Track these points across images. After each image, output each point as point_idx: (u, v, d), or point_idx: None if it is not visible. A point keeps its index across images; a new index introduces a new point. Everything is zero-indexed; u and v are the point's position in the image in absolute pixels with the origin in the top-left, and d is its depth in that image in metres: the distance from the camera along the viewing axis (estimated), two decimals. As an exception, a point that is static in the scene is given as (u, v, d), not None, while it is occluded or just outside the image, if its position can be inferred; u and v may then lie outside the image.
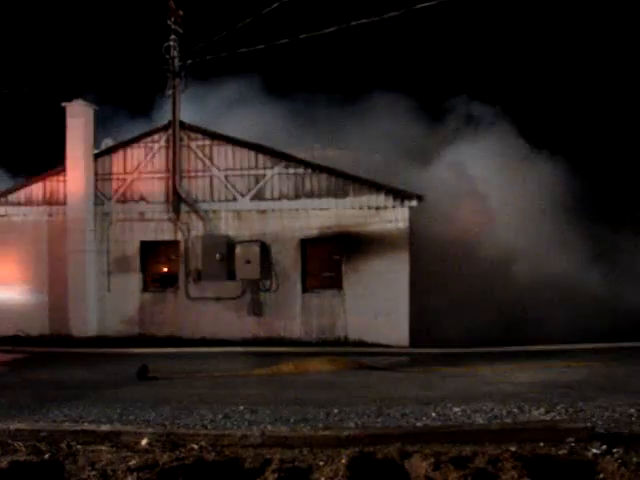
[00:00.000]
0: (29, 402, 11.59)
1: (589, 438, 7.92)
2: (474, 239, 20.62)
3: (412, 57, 33.38)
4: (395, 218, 19.57)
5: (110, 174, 21.63)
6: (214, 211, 20.87)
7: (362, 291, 19.65)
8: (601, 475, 6.91)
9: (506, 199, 21.70)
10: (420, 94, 28.12)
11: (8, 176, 27.28)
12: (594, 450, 7.54)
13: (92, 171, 21.48)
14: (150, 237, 21.28)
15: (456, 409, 10.25)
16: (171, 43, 20.92)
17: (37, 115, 30.99)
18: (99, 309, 21.32)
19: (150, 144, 21.45)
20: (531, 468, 6.74)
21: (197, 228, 20.94)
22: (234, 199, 20.76)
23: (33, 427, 8.91)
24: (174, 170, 20.95)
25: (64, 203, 21.45)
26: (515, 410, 10.10)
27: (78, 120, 21.17)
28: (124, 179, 21.53)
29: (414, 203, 19.52)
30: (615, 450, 7.50)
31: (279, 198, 20.47)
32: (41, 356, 18.90)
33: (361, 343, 19.47)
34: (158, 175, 21.33)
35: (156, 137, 21.44)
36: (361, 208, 19.87)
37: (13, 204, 22.07)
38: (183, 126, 21.14)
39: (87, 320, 21.09)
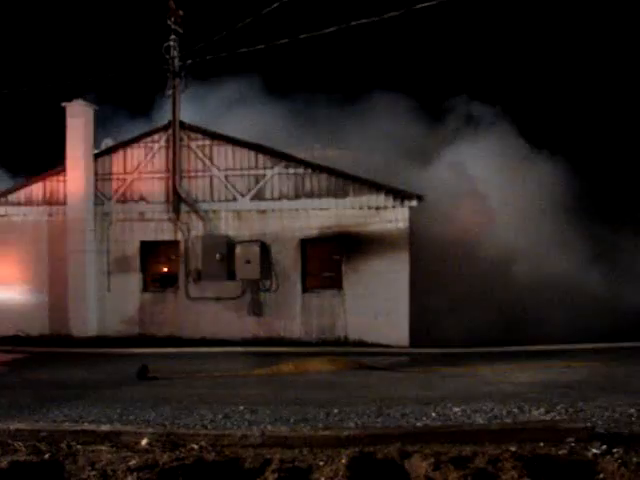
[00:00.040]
0: (29, 402, 11.58)
1: (589, 438, 7.92)
2: (474, 239, 20.63)
3: (412, 57, 33.39)
4: (395, 218, 19.58)
5: (110, 174, 21.63)
6: (214, 211, 20.87)
7: (362, 291, 19.65)
8: (601, 475, 6.91)
9: (506, 199, 21.71)
10: (420, 94, 28.12)
11: (8, 176, 27.28)
12: (594, 450, 7.54)
13: (92, 171, 21.48)
14: (150, 237, 21.28)
15: (456, 409, 10.25)
16: (171, 43, 20.92)
17: (37, 115, 31.00)
18: (99, 309, 21.33)
19: (150, 144, 21.45)
20: (531, 468, 6.74)
21: (197, 228, 20.94)
22: (234, 199, 20.77)
23: (33, 427, 8.91)
24: (174, 170, 20.95)
25: (64, 203, 21.45)
26: (515, 410, 10.10)
27: (78, 120, 21.17)
28: (124, 179, 21.53)
29: (414, 203, 19.53)
30: (615, 450, 7.50)
31: (279, 198, 20.48)
32: (41, 356, 18.90)
33: (361, 343, 19.47)
34: (158, 175, 21.33)
35: (156, 137, 21.45)
36: (361, 208, 19.87)
37: (13, 204, 22.07)
38: (183, 126, 21.14)
39: (87, 320, 21.09)
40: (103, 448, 8.17)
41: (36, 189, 22.00)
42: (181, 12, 21.08)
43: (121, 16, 41.13)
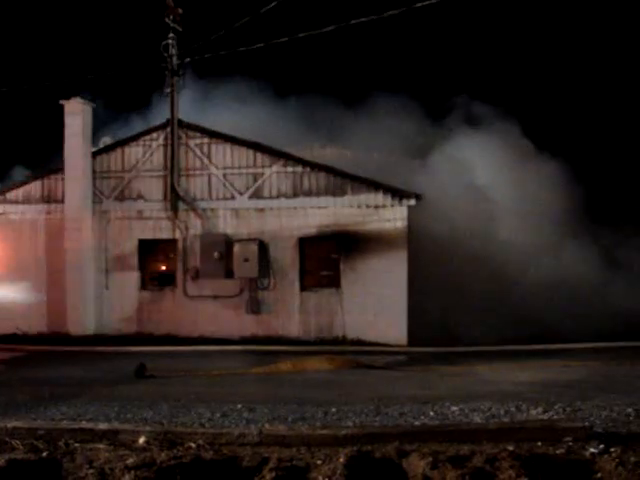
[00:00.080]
0: (27, 400, 11.57)
1: (587, 437, 7.93)
2: (473, 238, 20.62)
3: (411, 56, 33.38)
4: (393, 217, 19.58)
5: (108, 172, 21.62)
6: (212, 209, 20.86)
7: (360, 290, 19.66)
8: (599, 474, 6.92)
9: (505, 198, 21.70)
10: (419, 93, 28.12)
11: (6, 174, 27.25)
12: (592, 449, 7.54)
13: (90, 169, 21.46)
14: (148, 235, 21.26)
15: (454, 408, 10.25)
16: (169, 41, 20.90)
17: (35, 113, 30.97)
18: (97, 307, 21.31)
19: (148, 142, 21.43)
20: (529, 467, 6.75)
21: (195, 226, 20.93)
22: (232, 197, 20.76)
23: (31, 425, 8.90)
24: (172, 168, 20.94)
25: (62, 201, 21.42)
26: (513, 409, 10.10)
27: (76, 118, 21.14)
28: (122, 177, 21.51)
29: (412, 202, 19.53)
30: (613, 449, 7.51)
31: (277, 196, 20.47)
32: (39, 354, 18.89)
33: (359, 342, 19.48)
34: (156, 173, 21.31)
35: (154, 135, 21.43)
36: (359, 207, 19.87)
37: (11, 202, 22.04)
38: (181, 124, 21.13)
39: (85, 318, 21.08)
40: (101, 446, 8.17)
41: (34, 187, 21.98)
42: (180, 10, 21.06)
43: (119, 14, 41.12)
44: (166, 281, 21.34)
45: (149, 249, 21.48)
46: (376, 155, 23.74)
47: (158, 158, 21.30)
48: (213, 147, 21.01)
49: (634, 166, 24.86)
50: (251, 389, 12.71)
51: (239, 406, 10.73)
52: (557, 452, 7.53)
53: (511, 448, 7.51)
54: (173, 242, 21.17)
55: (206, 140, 21.09)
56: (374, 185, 19.88)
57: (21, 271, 21.47)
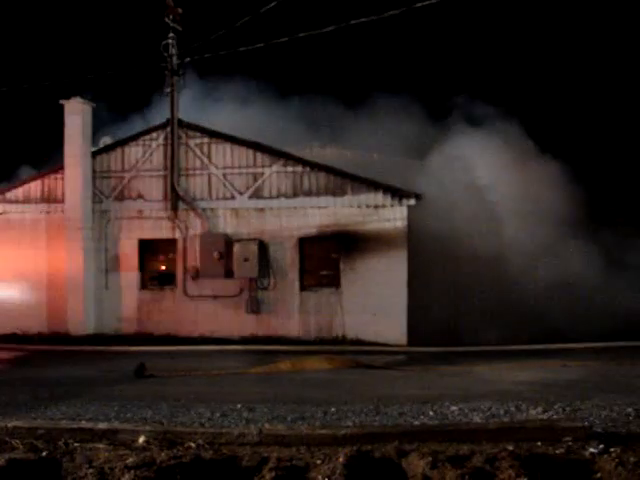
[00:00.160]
0: (27, 400, 11.57)
1: (586, 437, 7.93)
2: (473, 238, 20.61)
3: (411, 56, 33.39)
4: (393, 217, 19.59)
5: (108, 172, 21.62)
6: (212, 209, 20.86)
7: (360, 290, 19.66)
8: (598, 474, 6.92)
9: (505, 198, 21.69)
10: (419, 93, 28.13)
11: (6, 174, 27.25)
12: (591, 449, 7.54)
13: (90, 169, 21.46)
14: (148, 235, 21.27)
15: (454, 408, 10.25)
16: (169, 41, 20.91)
17: (35, 113, 30.97)
18: (97, 307, 21.31)
19: (148, 142, 21.43)
20: (528, 467, 6.75)
21: (195, 226, 20.93)
22: (232, 197, 20.76)
23: (30, 425, 8.90)
24: (172, 168, 20.94)
25: (62, 201, 21.42)
26: (513, 409, 10.10)
27: (76, 118, 21.15)
28: (122, 177, 21.52)
29: (412, 202, 19.54)
30: (612, 449, 7.51)
31: (277, 196, 20.47)
32: (39, 354, 18.90)
33: (359, 342, 19.48)
34: (156, 173, 21.31)
35: (154, 135, 21.43)
36: (359, 206, 19.87)
37: (11, 202, 22.03)
38: (181, 124, 21.13)
39: (85, 318, 21.08)
40: (100, 446, 8.17)
41: (34, 187, 21.98)
42: (180, 10, 21.06)
43: (119, 14, 41.12)
44: (166, 281, 21.35)
45: (149, 249, 21.48)
46: (376, 155, 23.75)
47: (158, 158, 21.30)
48: (213, 147, 21.01)
49: (634, 166, 24.84)
50: (251, 389, 12.71)
51: (239, 406, 10.74)
52: (557, 452, 7.53)
53: (511, 448, 7.52)
54: (173, 242, 21.17)
55: (206, 140, 21.09)
56: (374, 185, 19.88)
57: (21, 271, 21.45)
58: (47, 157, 24.14)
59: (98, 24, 38.38)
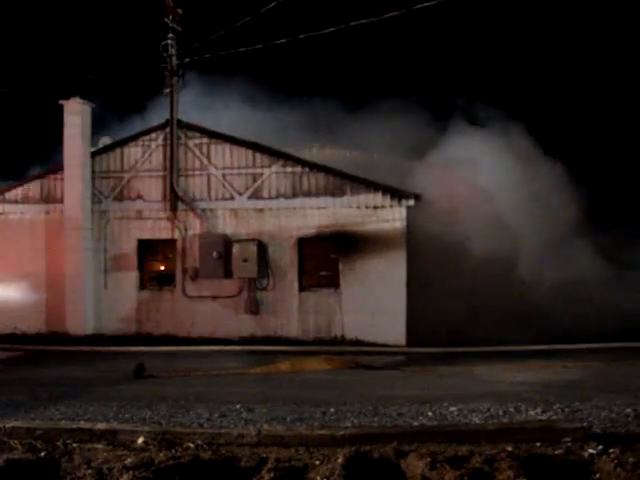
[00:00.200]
0: (25, 400, 11.57)
1: (585, 438, 7.93)
2: (472, 238, 20.59)
3: (410, 57, 33.38)
4: (392, 217, 19.59)
5: (107, 172, 21.61)
6: (211, 210, 20.86)
7: (359, 290, 19.66)
8: (597, 475, 6.92)
9: (505, 199, 21.67)
10: (419, 93, 28.14)
11: (5, 174, 27.24)
12: (590, 450, 7.54)
13: (89, 169, 21.44)
14: (147, 235, 21.26)
15: (453, 408, 10.25)
16: (169, 41, 20.90)
17: (35, 113, 30.97)
18: (96, 307, 21.30)
19: (148, 142, 21.42)
20: (527, 468, 6.75)
21: (194, 226, 20.93)
22: (231, 198, 20.75)
23: (29, 425, 8.90)
24: (171, 168, 20.93)
25: (61, 201, 21.41)
26: (512, 410, 10.10)
27: (75, 118, 21.13)
28: (121, 177, 21.51)
29: (411, 202, 19.54)
30: (611, 450, 7.51)
31: (276, 197, 20.47)
32: (38, 354, 18.88)
33: (358, 342, 19.47)
34: (155, 173, 21.30)
35: (154, 135, 21.42)
36: (358, 207, 19.87)
37: (10, 202, 22.02)
38: (181, 124, 21.12)
39: (84, 318, 21.06)
40: (99, 446, 8.17)
41: (33, 187, 21.96)
42: (179, 10, 21.05)
43: (119, 14, 41.11)
44: (165, 281, 21.35)
45: (148, 249, 21.47)
46: (375, 155, 23.74)
47: (157, 158, 21.29)
48: (212, 147, 21.01)
49: (635, 167, 24.86)
50: (250, 389, 12.71)
51: (238, 406, 10.74)
52: (556, 453, 7.53)
53: (510, 449, 7.52)
54: (172, 242, 21.16)
55: (205, 140, 21.09)
56: (373, 186, 19.88)
57: (20, 271, 21.44)
58: (46, 157, 24.15)
59: (98, 24, 38.39)
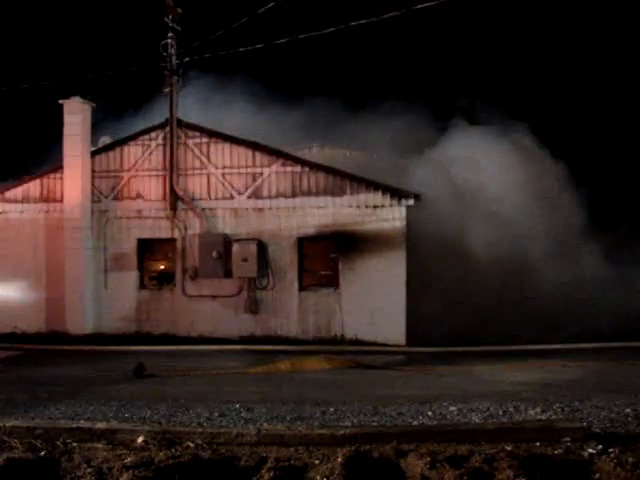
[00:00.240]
0: (25, 399, 11.58)
1: (585, 438, 7.94)
2: (472, 238, 20.61)
3: (410, 56, 33.39)
4: (392, 217, 19.58)
5: (107, 172, 21.60)
6: (211, 209, 20.85)
7: (359, 290, 19.65)
8: (597, 475, 6.93)
9: (505, 199, 21.69)
10: (419, 93, 28.14)
11: (5, 173, 27.24)
12: (590, 450, 7.55)
13: (89, 168, 21.44)
14: (147, 235, 21.25)
15: (452, 408, 10.26)
16: (169, 41, 20.89)
17: (35, 112, 30.96)
18: (96, 306, 21.29)
19: (147, 142, 21.41)
20: (527, 467, 6.76)
21: (194, 226, 20.91)
22: (231, 197, 20.74)
23: (29, 424, 8.90)
24: (171, 168, 20.92)
25: (61, 200, 21.40)
26: (511, 409, 10.11)
27: (75, 117, 21.12)
28: (121, 177, 21.49)
29: (411, 202, 19.53)
30: (611, 450, 7.51)
31: (276, 196, 20.46)
32: (37, 353, 18.88)
33: (358, 342, 19.47)
34: (155, 173, 21.29)
35: (153, 135, 21.41)
36: (358, 207, 19.86)
37: (10, 201, 22.01)
38: (180, 124, 21.11)
39: (84, 317, 21.06)
40: (99, 446, 8.17)
41: (33, 186, 21.95)
42: (179, 10, 21.05)
43: (119, 13, 41.11)
44: (165, 280, 21.34)
45: (148, 248, 21.47)
46: (375, 155, 23.75)
47: (157, 158, 21.29)
48: (212, 147, 21.00)
49: (636, 167, 24.85)
50: (250, 389, 12.71)
51: (237, 406, 10.74)
52: (555, 452, 7.53)
53: (509, 448, 7.52)
54: (172, 242, 21.15)
55: (205, 140, 21.08)
56: (373, 185, 19.87)
57: (20, 270, 21.44)
58: (46, 157, 24.11)
59: (98, 24, 38.40)
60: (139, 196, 21.35)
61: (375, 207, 19.75)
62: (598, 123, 27.99)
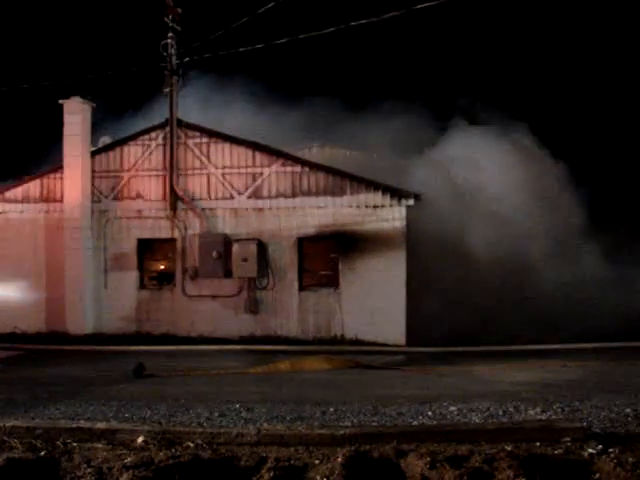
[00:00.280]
0: (25, 399, 11.58)
1: (585, 438, 7.94)
2: (472, 238, 20.61)
3: (410, 56, 33.39)
4: (392, 217, 19.58)
5: (107, 172, 21.59)
6: (211, 209, 20.85)
7: (359, 290, 19.65)
8: (597, 475, 6.92)
9: (504, 199, 21.69)
10: (419, 93, 28.14)
11: (5, 173, 27.23)
12: (590, 450, 7.55)
13: (89, 168, 21.44)
14: (147, 235, 21.25)
15: (452, 408, 10.25)
16: (169, 41, 20.89)
17: (35, 112, 30.96)
18: (96, 306, 21.29)
19: (147, 142, 21.40)
20: (527, 467, 6.76)
21: (194, 226, 20.91)
22: (231, 197, 20.74)
23: (29, 424, 8.90)
24: (171, 168, 20.92)
25: (61, 200, 21.40)
26: (511, 409, 10.11)
27: (75, 117, 21.12)
28: (121, 177, 21.49)
29: (411, 202, 19.52)
30: (611, 450, 7.51)
31: (276, 196, 20.46)
32: (37, 353, 18.87)
33: (357, 342, 19.47)
34: (155, 173, 21.29)
35: (153, 135, 21.41)
36: (358, 207, 19.86)
37: (10, 201, 22.01)
38: (180, 124, 21.11)
39: (84, 317, 21.06)
40: (99, 446, 8.17)
41: (33, 186, 21.94)
42: (179, 10, 21.05)
43: (119, 13, 41.11)
44: (165, 280, 21.34)
45: (148, 248, 21.47)
46: (375, 155, 23.75)
47: (157, 158, 21.29)
48: (212, 146, 20.99)
49: (636, 168, 24.84)
50: (249, 389, 12.71)
51: (237, 406, 10.74)
52: (555, 452, 7.53)
53: (509, 448, 7.52)
54: (172, 242, 21.15)
55: (205, 140, 21.08)
56: (373, 185, 19.87)
57: (20, 270, 21.44)
58: (46, 157, 24.12)
59: (98, 24, 38.40)
60: (139, 196, 21.35)
61: (375, 207, 19.74)
62: (598, 123, 27.98)
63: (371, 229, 19.69)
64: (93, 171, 21.53)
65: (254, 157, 20.66)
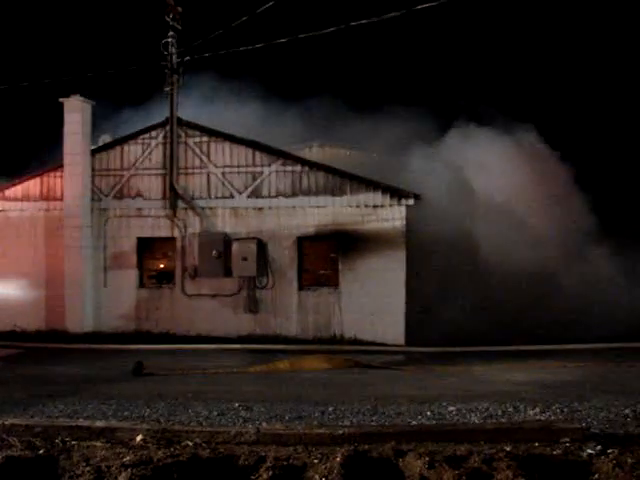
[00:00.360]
0: (24, 397, 11.57)
1: (584, 438, 7.93)
2: (472, 238, 20.60)
3: (411, 56, 33.38)
4: (392, 216, 19.58)
5: (107, 170, 21.60)
6: (211, 208, 20.85)
7: (358, 289, 19.65)
8: (596, 476, 6.92)
9: (504, 199, 21.68)
10: (419, 93, 28.14)
11: (5, 171, 27.21)
12: (589, 450, 7.55)
13: (89, 167, 21.44)
14: (147, 233, 21.25)
15: (451, 408, 10.25)
16: (169, 40, 20.88)
17: (35, 111, 30.95)
18: (95, 305, 21.30)
19: (147, 140, 21.41)
20: (526, 468, 6.75)
21: (194, 225, 20.92)
22: (231, 196, 20.74)
23: (28, 422, 8.89)
24: (171, 167, 20.92)
25: (61, 199, 21.40)
26: (510, 410, 10.11)
27: (76, 115, 21.13)
28: (121, 175, 21.50)
29: (411, 201, 19.53)
30: (610, 451, 7.51)
31: (276, 195, 20.46)
32: (37, 352, 18.88)
33: (357, 341, 19.47)
34: (155, 172, 21.29)
35: (153, 133, 21.41)
36: (358, 206, 19.87)
37: (10, 199, 22.01)
38: (180, 123, 21.11)
39: (83, 316, 21.06)
40: (98, 444, 8.16)
41: (33, 184, 21.95)
42: (180, 9, 21.04)
43: (120, 12, 41.07)
44: (164, 279, 21.35)
45: (148, 247, 21.47)
46: (375, 155, 23.74)
47: (157, 156, 21.29)
48: (212, 146, 21.00)
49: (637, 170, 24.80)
50: (248, 388, 12.71)
51: (236, 405, 10.74)
52: (554, 453, 7.53)
53: (508, 448, 7.52)
54: (172, 240, 21.16)
55: (205, 139, 21.08)
56: (373, 185, 19.87)
57: (19, 268, 21.44)
58: (46, 155, 24.11)
59: (98, 22, 38.38)
60: (139, 195, 21.35)
61: (375, 207, 19.75)
62: (602, 123, 27.93)
63: (371, 229, 19.70)
64: (93, 169, 21.53)
65: (254, 156, 20.66)
